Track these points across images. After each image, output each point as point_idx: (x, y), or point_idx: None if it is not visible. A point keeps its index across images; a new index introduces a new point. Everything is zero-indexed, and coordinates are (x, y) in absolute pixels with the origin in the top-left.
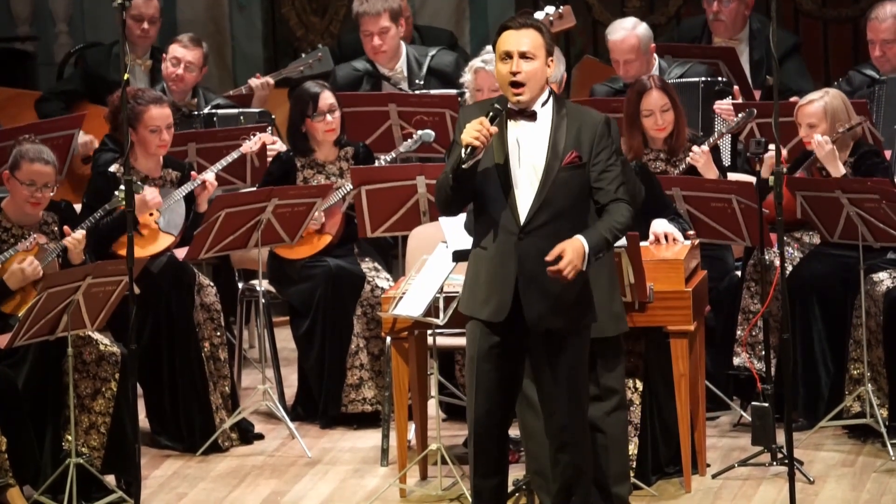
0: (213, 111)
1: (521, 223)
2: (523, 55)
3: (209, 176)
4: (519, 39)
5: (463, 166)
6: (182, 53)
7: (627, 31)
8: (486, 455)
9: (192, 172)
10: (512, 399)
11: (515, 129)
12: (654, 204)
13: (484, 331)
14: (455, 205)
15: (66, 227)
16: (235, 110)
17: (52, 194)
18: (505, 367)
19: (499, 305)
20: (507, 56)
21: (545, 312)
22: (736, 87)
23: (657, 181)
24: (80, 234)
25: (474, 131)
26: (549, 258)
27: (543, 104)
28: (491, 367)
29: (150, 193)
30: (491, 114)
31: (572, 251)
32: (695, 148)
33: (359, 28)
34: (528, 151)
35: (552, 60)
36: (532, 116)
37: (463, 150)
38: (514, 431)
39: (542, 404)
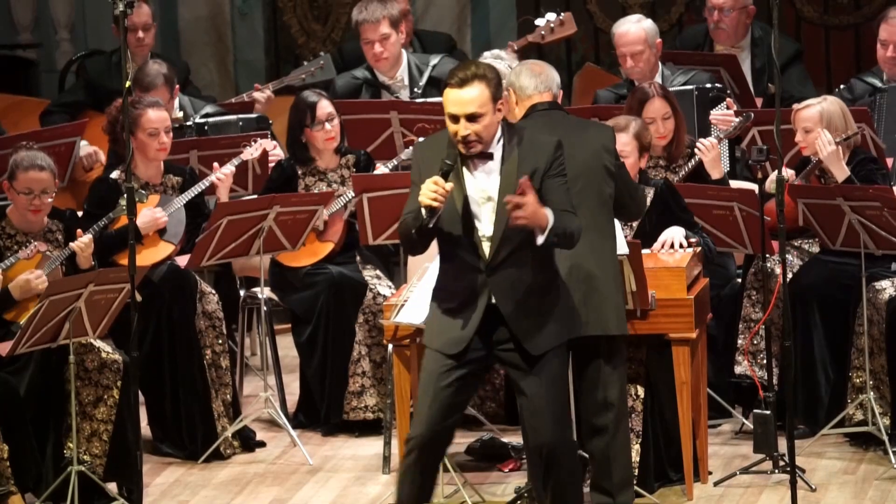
0: (204, 120)
1: (487, 259)
2: (470, 117)
3: (228, 170)
4: (463, 101)
5: (427, 226)
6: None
7: (633, 23)
8: (424, 474)
9: (215, 164)
10: (457, 421)
11: (472, 168)
12: (677, 223)
13: (436, 356)
14: (419, 249)
15: (78, 231)
16: (233, 117)
17: (50, 200)
18: (459, 389)
19: (459, 339)
20: (454, 118)
21: (539, 335)
22: (729, 100)
23: (682, 200)
24: (86, 238)
25: (431, 192)
26: (511, 197)
27: (498, 140)
28: (448, 384)
29: (154, 214)
30: (443, 171)
31: (536, 209)
32: (702, 140)
33: (359, 36)
34: (486, 189)
35: (502, 103)
36: (489, 157)
37: (423, 211)
38: (516, 439)
39: (525, 422)
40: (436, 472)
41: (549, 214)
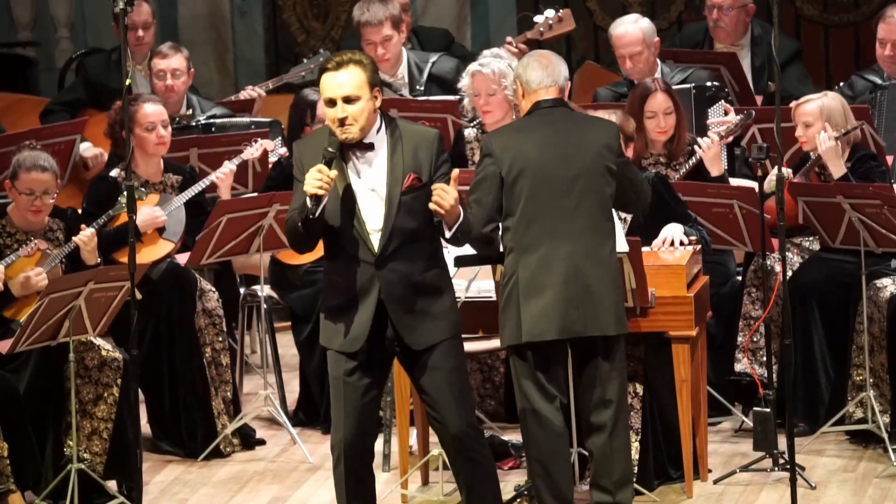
0: (211, 121)
1: (376, 252)
2: (346, 99)
3: (228, 168)
4: (338, 83)
5: (312, 217)
6: (165, 65)
7: (630, 24)
8: (357, 476)
9: (226, 162)
10: (375, 418)
11: (354, 161)
12: (672, 214)
13: (339, 358)
14: (308, 245)
15: (83, 225)
16: (246, 119)
17: (52, 201)
18: (369, 386)
19: (355, 336)
20: (331, 102)
21: (422, 331)
22: (727, 105)
23: (675, 192)
24: (89, 231)
25: (315, 181)
26: (437, 193)
27: (378, 131)
28: (356, 386)
29: (154, 213)
30: (326, 158)
31: (456, 203)
32: (702, 140)
33: (360, 36)
34: (370, 181)
35: (378, 91)
36: (369, 147)
37: (308, 201)
38: (516, 437)
39: (431, 416)
40: (371, 472)
41: (460, 210)
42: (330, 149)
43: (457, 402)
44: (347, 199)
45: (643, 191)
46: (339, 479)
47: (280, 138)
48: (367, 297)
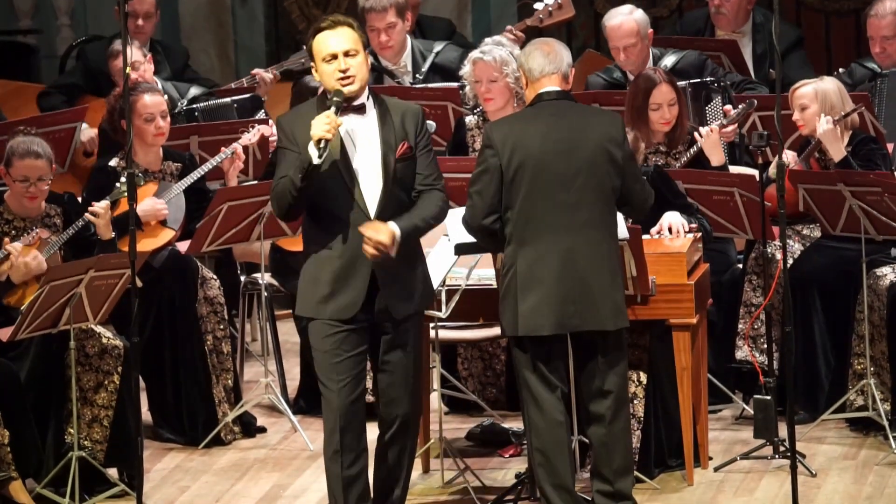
0: (194, 106)
1: (372, 217)
2: (347, 53)
3: (238, 148)
4: (339, 39)
5: (317, 162)
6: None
7: (625, 15)
8: (352, 446)
9: (222, 147)
10: (364, 391)
11: (346, 124)
12: (671, 207)
13: (330, 327)
14: (296, 209)
15: (94, 203)
16: (227, 99)
17: (46, 187)
18: (358, 356)
19: (350, 302)
20: (333, 57)
21: (404, 301)
22: (727, 107)
23: (674, 183)
24: (104, 203)
25: (324, 125)
26: (364, 231)
27: (368, 98)
28: (346, 356)
29: (156, 204)
30: (333, 107)
31: (387, 236)
32: (702, 129)
33: (364, 23)
34: (363, 145)
35: (367, 53)
36: (361, 109)
37: (315, 146)
38: (517, 424)
39: (383, 391)
40: (364, 445)
41: (395, 229)
42: (336, 98)
43: (414, 387)
44: (344, 162)
45: (645, 189)
46: (337, 451)
47: (263, 111)
48: (360, 262)
